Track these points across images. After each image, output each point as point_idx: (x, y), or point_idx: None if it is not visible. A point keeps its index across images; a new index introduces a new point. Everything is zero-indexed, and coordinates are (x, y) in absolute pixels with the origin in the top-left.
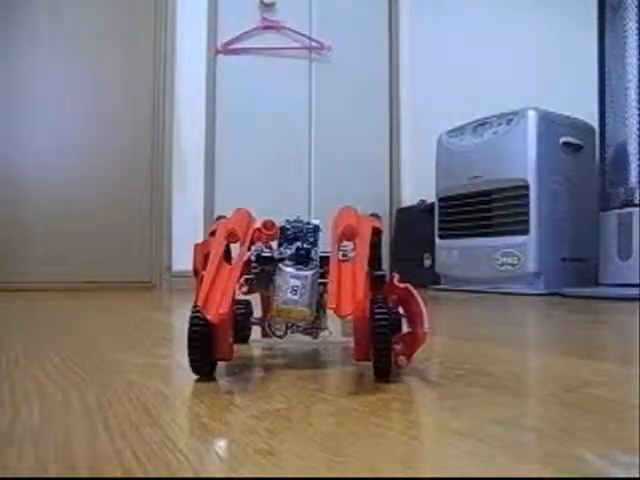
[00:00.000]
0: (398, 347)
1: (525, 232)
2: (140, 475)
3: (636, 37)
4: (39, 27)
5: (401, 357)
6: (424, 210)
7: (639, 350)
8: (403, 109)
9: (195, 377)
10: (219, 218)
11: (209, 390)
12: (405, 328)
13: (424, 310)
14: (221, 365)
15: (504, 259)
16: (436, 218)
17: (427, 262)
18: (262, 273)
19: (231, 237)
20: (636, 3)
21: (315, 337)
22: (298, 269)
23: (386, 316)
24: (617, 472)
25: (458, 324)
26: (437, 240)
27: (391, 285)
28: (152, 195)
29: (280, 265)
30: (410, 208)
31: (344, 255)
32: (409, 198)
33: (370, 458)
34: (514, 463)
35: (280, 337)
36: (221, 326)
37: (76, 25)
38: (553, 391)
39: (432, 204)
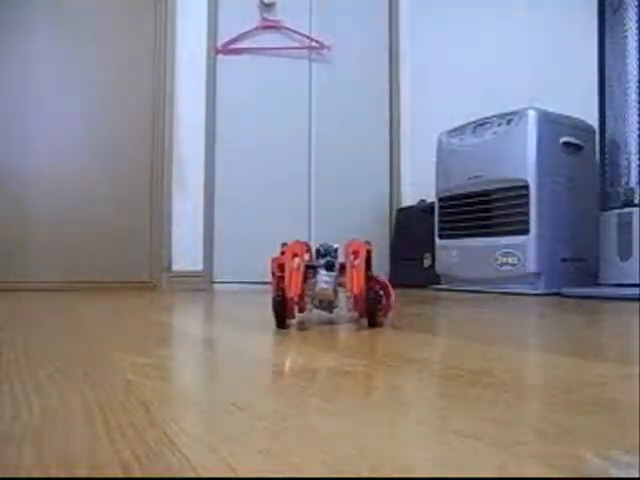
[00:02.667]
0: (380, 312)
1: (525, 232)
2: (140, 475)
3: (636, 37)
4: (38, 27)
5: (381, 316)
6: (424, 210)
7: (639, 350)
8: (403, 109)
9: (195, 376)
10: (284, 244)
11: (209, 390)
12: (383, 302)
13: (392, 293)
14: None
15: (504, 259)
16: (436, 218)
17: (427, 262)
18: (309, 273)
19: (295, 254)
20: (636, 3)
21: (331, 312)
22: (327, 273)
23: (375, 296)
24: (617, 472)
25: (458, 324)
26: (437, 240)
27: (376, 279)
28: (152, 195)
29: (318, 269)
30: (410, 208)
31: (354, 258)
32: (409, 198)
33: (370, 457)
34: (514, 463)
35: (317, 308)
36: (293, 300)
37: (76, 25)
38: (553, 391)
39: (432, 204)
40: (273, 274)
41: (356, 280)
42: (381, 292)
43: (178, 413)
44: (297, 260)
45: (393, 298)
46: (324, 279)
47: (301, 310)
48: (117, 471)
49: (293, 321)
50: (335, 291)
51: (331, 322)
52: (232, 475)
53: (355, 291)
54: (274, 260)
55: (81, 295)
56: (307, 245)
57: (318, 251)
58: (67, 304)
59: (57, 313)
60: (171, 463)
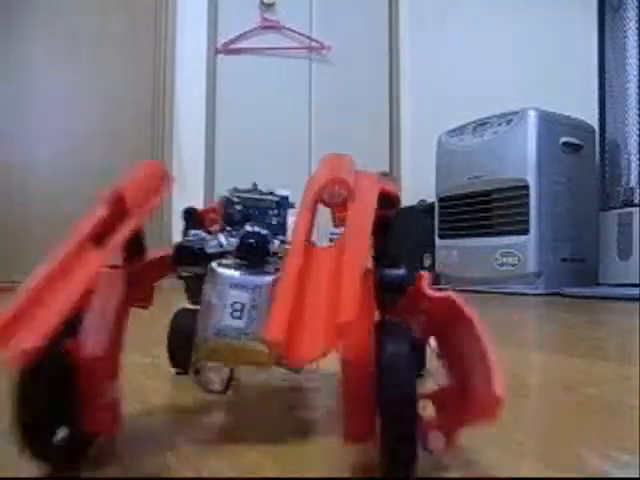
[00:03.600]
0: (427, 415)
1: (525, 232)
2: (140, 475)
3: (636, 37)
4: (38, 28)
5: (435, 432)
6: (424, 210)
7: (639, 350)
8: (403, 109)
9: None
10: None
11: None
12: (441, 378)
13: (489, 349)
14: None
15: (504, 259)
16: (436, 218)
17: (427, 262)
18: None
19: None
20: (636, 3)
21: (296, 371)
22: (244, 272)
23: (407, 357)
24: (617, 472)
25: None
26: (437, 240)
27: (418, 295)
28: None
29: (213, 265)
30: (410, 208)
31: (330, 240)
32: (409, 198)
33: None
34: (514, 463)
35: (220, 392)
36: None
37: (75, 25)
38: (553, 391)
39: (432, 204)
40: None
41: (321, 302)
42: (432, 342)
43: (178, 412)
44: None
45: (494, 371)
46: (231, 297)
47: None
48: (117, 471)
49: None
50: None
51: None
52: (234, 475)
53: (297, 351)
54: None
55: None
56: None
57: (227, 209)
58: None
59: None
60: (171, 463)
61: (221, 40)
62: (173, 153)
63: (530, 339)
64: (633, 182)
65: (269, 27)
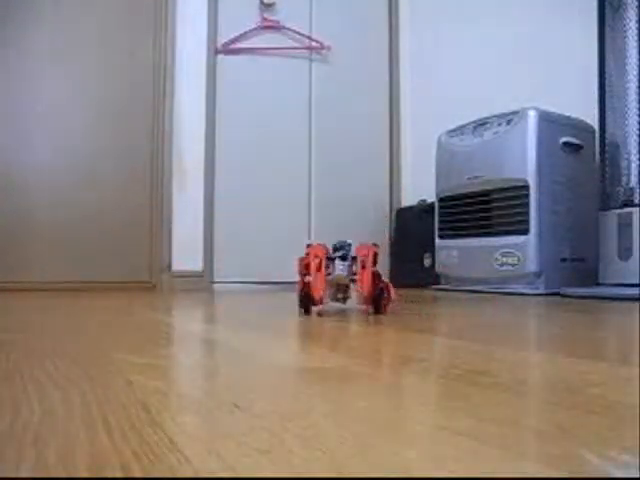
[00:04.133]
0: (383, 303)
1: (525, 232)
2: (140, 475)
3: (636, 37)
4: (38, 28)
5: (384, 305)
6: (424, 210)
7: (639, 350)
8: (403, 109)
9: (196, 376)
10: (309, 245)
11: (210, 389)
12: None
13: (392, 289)
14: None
15: (504, 259)
16: (436, 218)
17: (427, 262)
18: (329, 264)
19: (317, 255)
20: (636, 3)
21: (344, 303)
22: (342, 262)
23: (381, 293)
24: (617, 472)
25: (458, 324)
26: (437, 240)
27: (380, 278)
28: (152, 195)
29: (335, 260)
30: (410, 208)
31: (362, 262)
32: (409, 198)
33: (369, 457)
34: (514, 463)
35: (333, 300)
36: (317, 294)
37: (76, 25)
38: (553, 391)
39: (432, 204)
40: (300, 273)
41: (365, 282)
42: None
43: (178, 412)
44: (318, 261)
45: (393, 292)
46: (340, 267)
47: (320, 302)
48: (117, 471)
49: (314, 308)
50: (349, 279)
51: (344, 315)
52: (232, 475)
53: (365, 291)
54: (301, 260)
55: (81, 295)
56: (325, 247)
57: (335, 246)
58: (67, 304)
59: (57, 313)
60: (171, 463)
61: (221, 40)
62: (173, 153)
63: (530, 339)
64: (633, 182)
65: (269, 27)
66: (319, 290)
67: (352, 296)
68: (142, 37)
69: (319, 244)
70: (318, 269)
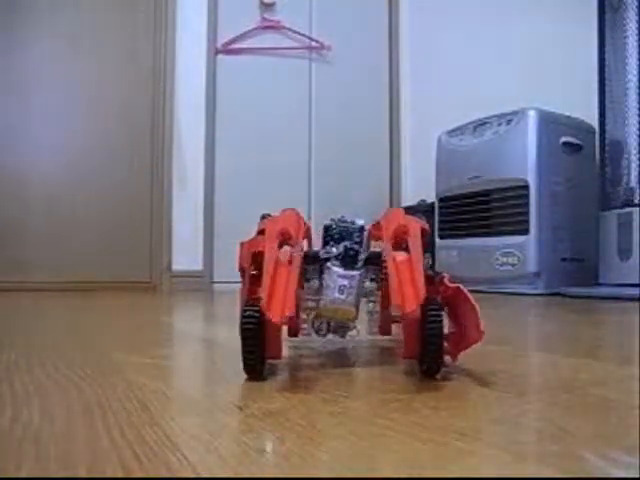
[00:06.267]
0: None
1: (525, 232)
2: (140, 475)
3: (636, 37)
4: (38, 28)
5: (447, 356)
6: (424, 210)
7: (639, 350)
8: (403, 109)
9: (196, 376)
10: (264, 216)
11: (210, 389)
12: (448, 328)
13: (478, 310)
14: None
15: (504, 259)
16: (436, 218)
17: (427, 262)
18: (308, 271)
19: (284, 236)
20: (636, 3)
21: (342, 336)
22: (345, 271)
23: (440, 317)
24: (617, 472)
25: None
26: (437, 240)
27: (441, 284)
28: (152, 195)
29: (328, 264)
30: (410, 208)
31: (396, 257)
32: (409, 198)
33: (372, 458)
34: (514, 463)
35: (323, 336)
36: (278, 324)
37: (75, 25)
38: (553, 391)
39: (432, 204)
40: (242, 270)
41: (409, 286)
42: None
43: (178, 413)
44: (288, 249)
45: (480, 320)
46: (339, 283)
47: (293, 333)
48: (117, 471)
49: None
50: (357, 306)
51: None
52: (232, 475)
53: (408, 307)
54: (245, 245)
55: (81, 295)
56: (304, 222)
57: (328, 231)
58: (67, 304)
59: (57, 313)
60: (171, 463)
61: (221, 40)
62: (173, 153)
63: (530, 339)
64: (633, 182)
65: (269, 27)
66: (285, 308)
67: (360, 322)
68: (142, 37)
69: (291, 210)
70: (286, 266)
